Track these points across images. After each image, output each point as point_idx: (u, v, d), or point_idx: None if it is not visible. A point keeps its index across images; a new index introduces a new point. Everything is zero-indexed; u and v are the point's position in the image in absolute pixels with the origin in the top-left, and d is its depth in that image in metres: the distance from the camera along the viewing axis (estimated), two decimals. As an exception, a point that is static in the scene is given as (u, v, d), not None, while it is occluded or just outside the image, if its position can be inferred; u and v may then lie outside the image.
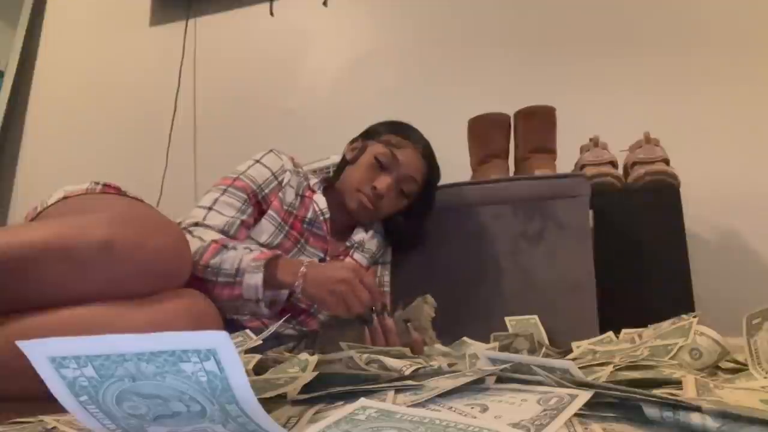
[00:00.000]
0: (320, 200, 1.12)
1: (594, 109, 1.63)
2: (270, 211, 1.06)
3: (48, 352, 0.30)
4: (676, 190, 1.24)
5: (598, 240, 1.20)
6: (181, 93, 2.15)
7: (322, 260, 1.12)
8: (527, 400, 0.41)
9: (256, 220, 1.06)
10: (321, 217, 1.11)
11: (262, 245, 1.04)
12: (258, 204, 1.06)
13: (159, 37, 2.29)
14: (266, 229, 1.05)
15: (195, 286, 0.85)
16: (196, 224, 0.97)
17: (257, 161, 1.08)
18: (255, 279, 0.86)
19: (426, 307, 0.96)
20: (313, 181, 1.17)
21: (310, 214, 1.10)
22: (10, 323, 0.68)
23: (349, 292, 0.84)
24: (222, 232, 0.98)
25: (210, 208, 1.00)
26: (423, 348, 0.92)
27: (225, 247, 0.91)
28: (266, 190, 1.06)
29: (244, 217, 1.02)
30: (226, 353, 0.30)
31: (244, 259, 0.88)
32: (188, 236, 0.93)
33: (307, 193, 1.13)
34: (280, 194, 1.08)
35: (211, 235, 0.94)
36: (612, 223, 1.24)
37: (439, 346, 0.94)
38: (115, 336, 0.29)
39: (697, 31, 1.64)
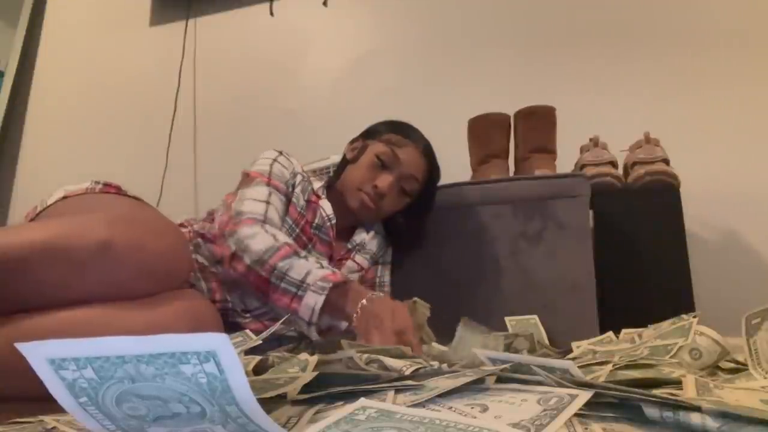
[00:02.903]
0: (327, 206, 1.12)
1: (594, 109, 1.62)
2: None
3: (47, 354, 0.30)
4: (676, 190, 1.23)
5: (598, 240, 1.20)
6: (181, 93, 2.15)
7: None
8: (527, 400, 0.41)
9: None
10: (328, 223, 1.11)
11: None
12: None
13: (159, 37, 2.29)
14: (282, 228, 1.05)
15: (253, 284, 0.86)
16: (265, 218, 0.96)
17: (275, 160, 1.08)
18: (315, 300, 0.84)
19: (420, 308, 0.95)
20: (317, 185, 1.16)
21: (317, 220, 1.10)
22: (9, 323, 0.68)
23: (372, 329, 0.80)
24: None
25: (268, 203, 0.99)
26: (421, 349, 0.91)
27: (297, 253, 0.89)
28: (288, 191, 1.07)
29: (283, 223, 1.02)
30: (225, 355, 0.30)
31: (312, 274, 0.86)
32: (259, 228, 0.92)
33: (313, 198, 1.13)
34: (293, 198, 1.08)
35: (283, 236, 0.93)
36: (612, 223, 1.24)
37: (437, 345, 0.93)
38: (115, 338, 0.29)
39: (697, 31, 1.63)
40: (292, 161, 1.12)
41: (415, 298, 0.95)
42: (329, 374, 0.52)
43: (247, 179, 1.04)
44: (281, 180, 1.05)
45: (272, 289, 0.87)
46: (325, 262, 0.93)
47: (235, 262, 0.91)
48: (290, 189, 1.08)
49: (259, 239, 0.90)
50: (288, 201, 1.06)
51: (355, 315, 0.83)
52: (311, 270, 0.86)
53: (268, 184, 1.03)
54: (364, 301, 0.84)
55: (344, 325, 0.91)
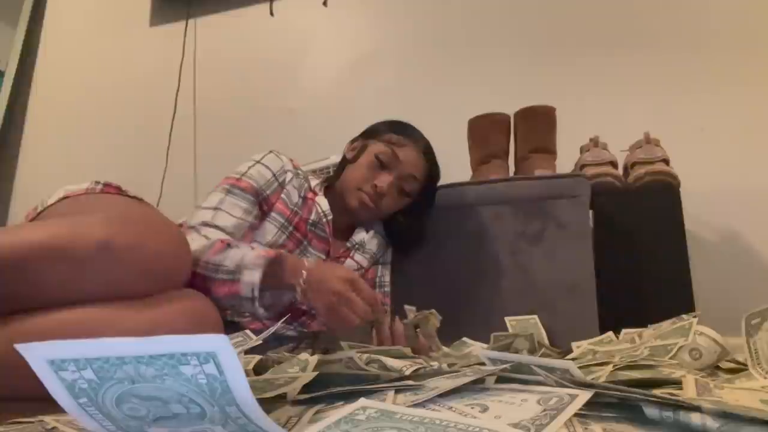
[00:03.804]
0: (323, 202, 1.12)
1: (594, 109, 1.62)
2: (272, 213, 1.06)
3: (47, 355, 0.30)
4: (676, 190, 1.23)
5: (598, 240, 1.20)
6: (181, 93, 2.15)
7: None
8: (527, 400, 0.41)
9: (260, 223, 1.05)
10: (324, 219, 1.11)
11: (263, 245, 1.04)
12: (260, 205, 1.05)
13: (159, 37, 2.29)
14: (269, 231, 1.05)
15: (195, 286, 0.85)
16: (205, 223, 0.96)
17: (258, 162, 1.08)
18: (253, 276, 0.85)
19: (432, 318, 0.96)
20: (314, 182, 1.17)
21: (313, 216, 1.10)
22: (9, 324, 0.68)
23: (342, 306, 0.82)
24: (230, 234, 0.97)
25: (217, 209, 0.99)
26: (428, 352, 0.91)
27: (229, 245, 0.90)
28: (267, 191, 1.06)
29: (250, 219, 1.02)
30: (225, 356, 0.30)
31: (246, 256, 0.87)
32: (195, 234, 0.93)
33: (309, 195, 1.13)
34: (282, 195, 1.08)
35: (218, 235, 0.94)
36: (612, 223, 1.24)
37: (445, 350, 0.94)
38: (114, 339, 0.29)
39: (697, 31, 1.63)
40: (282, 159, 1.11)
41: (432, 310, 0.95)
42: (329, 374, 0.52)
43: (217, 184, 1.05)
44: (256, 180, 1.04)
45: (210, 283, 0.86)
46: (257, 246, 0.93)
47: None
48: (277, 186, 1.07)
49: (192, 244, 0.89)
50: (262, 199, 1.05)
51: (299, 287, 0.85)
52: (245, 254, 0.87)
53: (232, 187, 1.02)
54: (304, 272, 0.86)
55: (287, 297, 0.92)
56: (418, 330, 0.95)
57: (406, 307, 0.99)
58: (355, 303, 0.82)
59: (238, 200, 1.02)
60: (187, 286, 0.87)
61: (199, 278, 0.87)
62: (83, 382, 0.31)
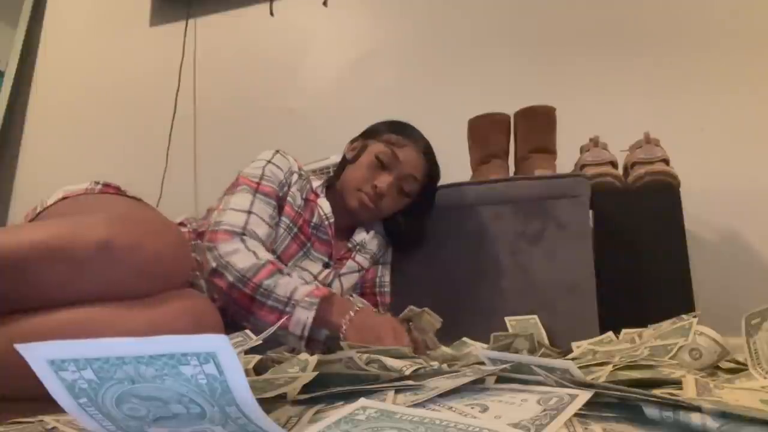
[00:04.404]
0: (325, 205, 1.12)
1: (594, 109, 1.62)
2: (281, 215, 1.06)
3: (47, 355, 0.30)
4: (676, 190, 1.23)
5: (598, 240, 1.20)
6: (181, 93, 2.15)
7: (326, 265, 1.12)
8: (527, 400, 0.41)
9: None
10: (326, 222, 1.11)
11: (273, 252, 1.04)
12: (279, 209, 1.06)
13: (159, 37, 2.29)
14: (277, 233, 1.05)
15: (238, 302, 0.88)
16: (244, 230, 0.96)
17: (269, 161, 1.07)
18: (306, 315, 0.87)
19: (426, 315, 0.96)
20: (316, 183, 1.16)
21: (315, 219, 1.10)
22: (9, 324, 0.68)
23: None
24: (266, 244, 0.98)
25: (250, 212, 0.99)
26: (423, 349, 0.92)
27: (280, 271, 0.91)
28: (280, 194, 1.06)
29: (273, 225, 1.02)
30: (225, 356, 0.30)
31: (299, 291, 0.89)
32: (240, 244, 0.93)
33: (311, 197, 1.13)
34: (289, 198, 1.08)
35: (264, 253, 0.94)
36: (612, 223, 1.24)
37: (445, 350, 0.94)
38: (114, 339, 0.29)
39: (697, 31, 1.63)
40: (288, 159, 1.11)
41: (426, 308, 0.96)
42: (329, 374, 0.52)
43: (235, 184, 1.04)
44: (273, 182, 1.05)
45: (257, 306, 0.88)
46: (308, 278, 0.97)
47: (216, 278, 0.91)
48: (286, 188, 1.08)
49: (241, 256, 0.91)
50: (280, 203, 1.05)
51: (344, 326, 0.87)
52: (297, 287, 0.89)
53: (256, 191, 1.02)
54: (351, 312, 0.88)
55: (324, 334, 0.95)
56: (411, 324, 0.95)
57: (409, 308, 0.99)
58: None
59: (266, 206, 1.02)
60: (228, 300, 0.90)
61: (245, 298, 0.89)
62: (83, 382, 0.31)
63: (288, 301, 0.88)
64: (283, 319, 0.87)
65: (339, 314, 0.88)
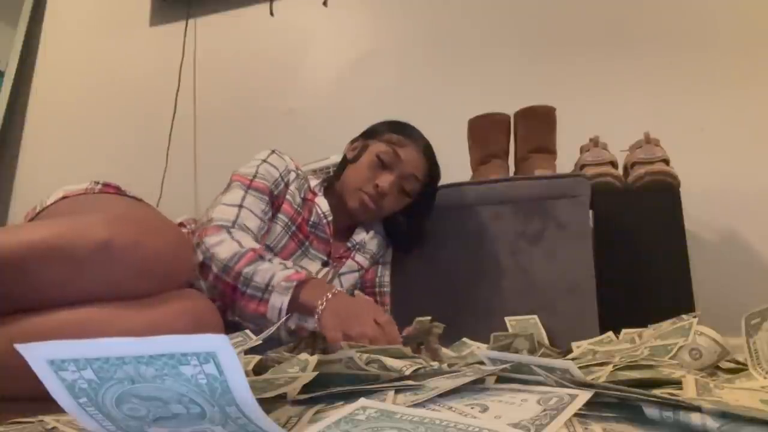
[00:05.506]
0: (322, 203, 1.12)
1: (594, 109, 1.62)
2: (279, 213, 1.06)
3: (47, 355, 0.30)
4: (676, 190, 1.23)
5: (598, 240, 1.20)
6: (181, 93, 2.15)
7: (325, 263, 1.12)
8: (527, 400, 0.41)
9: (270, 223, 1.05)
10: (324, 220, 1.11)
11: (268, 247, 1.04)
12: (272, 205, 1.06)
13: (159, 37, 2.29)
14: (273, 231, 1.05)
15: (225, 293, 0.86)
16: (234, 223, 0.96)
17: (264, 161, 1.07)
18: (280, 300, 0.85)
19: (435, 329, 0.95)
20: (314, 182, 1.17)
21: (313, 217, 1.10)
22: (9, 324, 0.68)
23: (355, 330, 0.79)
24: (257, 237, 0.97)
25: (241, 206, 0.99)
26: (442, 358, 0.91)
27: (261, 258, 0.89)
28: (276, 192, 1.06)
29: (266, 221, 1.02)
30: (225, 356, 0.30)
31: (277, 276, 0.86)
32: (226, 235, 0.92)
33: (309, 196, 1.13)
34: (288, 196, 1.08)
35: (249, 242, 0.93)
36: (612, 223, 1.24)
37: (445, 350, 0.93)
38: (114, 339, 0.29)
39: (697, 31, 1.63)
40: (285, 159, 1.11)
41: (436, 323, 0.94)
42: (329, 374, 0.52)
43: (230, 183, 1.05)
44: (267, 180, 1.05)
45: (239, 296, 0.87)
46: (289, 264, 0.93)
47: (204, 271, 0.91)
48: (283, 187, 1.08)
49: (224, 246, 0.90)
50: (274, 200, 1.05)
51: (319, 309, 0.84)
52: (275, 273, 0.87)
53: (248, 187, 1.02)
54: (328, 294, 0.85)
55: (312, 323, 0.91)
56: (422, 347, 0.93)
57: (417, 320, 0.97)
58: (372, 330, 0.79)
59: (258, 201, 1.02)
60: (216, 293, 0.88)
61: (228, 287, 0.88)
62: (83, 382, 0.31)
63: (266, 288, 0.86)
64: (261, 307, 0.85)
65: (315, 297, 0.85)
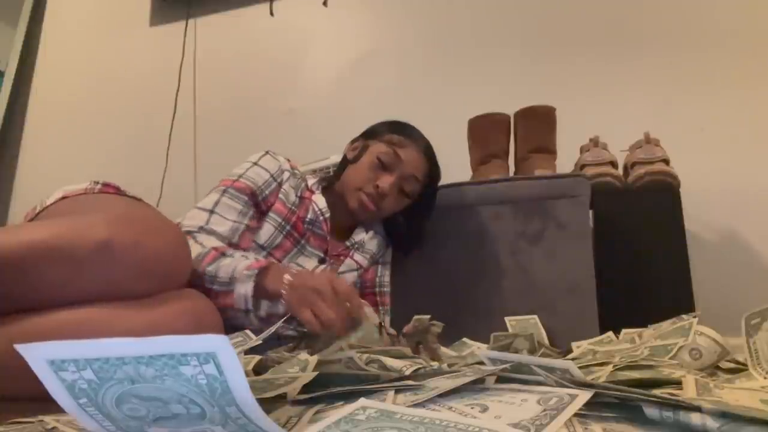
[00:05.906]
0: (319, 200, 1.12)
1: (594, 109, 1.62)
2: (271, 213, 1.06)
3: (47, 355, 0.30)
4: (676, 190, 1.23)
5: (598, 240, 1.20)
6: (181, 93, 2.15)
7: (322, 260, 1.12)
8: (527, 400, 0.41)
9: (259, 223, 1.05)
10: (321, 217, 1.11)
11: (262, 247, 1.04)
12: (258, 205, 1.05)
13: (159, 37, 2.29)
14: (266, 231, 1.05)
15: (204, 293, 0.85)
16: (201, 228, 0.97)
17: (254, 163, 1.08)
18: (245, 288, 0.86)
19: (434, 328, 0.95)
20: (311, 181, 1.17)
21: (310, 215, 1.10)
22: (9, 324, 0.68)
23: (317, 302, 0.80)
24: (226, 238, 0.98)
25: (212, 211, 1.00)
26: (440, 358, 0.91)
27: (223, 254, 0.91)
28: (266, 192, 1.06)
29: (246, 221, 1.02)
30: (225, 357, 0.30)
31: (238, 267, 0.88)
32: (191, 241, 0.93)
33: (306, 194, 1.13)
34: (281, 195, 1.08)
35: (212, 242, 0.94)
36: (612, 223, 1.24)
37: (445, 350, 0.93)
38: (114, 339, 0.29)
39: (697, 31, 1.63)
40: (279, 159, 1.11)
41: (435, 322, 0.94)
42: (329, 374, 0.52)
43: (218, 185, 1.05)
44: (253, 182, 1.05)
45: (212, 294, 0.87)
46: (251, 255, 0.94)
47: None
48: (275, 186, 1.08)
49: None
50: (258, 200, 1.05)
51: (283, 291, 0.84)
52: (236, 265, 0.88)
53: (227, 189, 1.02)
54: (288, 276, 0.85)
55: (281, 307, 0.91)
56: (420, 346, 0.93)
57: (416, 318, 0.97)
58: (330, 299, 0.80)
59: (234, 202, 1.02)
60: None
61: (202, 288, 0.88)
62: (83, 383, 0.31)
63: (230, 281, 0.87)
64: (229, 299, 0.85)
65: (278, 281, 0.85)
